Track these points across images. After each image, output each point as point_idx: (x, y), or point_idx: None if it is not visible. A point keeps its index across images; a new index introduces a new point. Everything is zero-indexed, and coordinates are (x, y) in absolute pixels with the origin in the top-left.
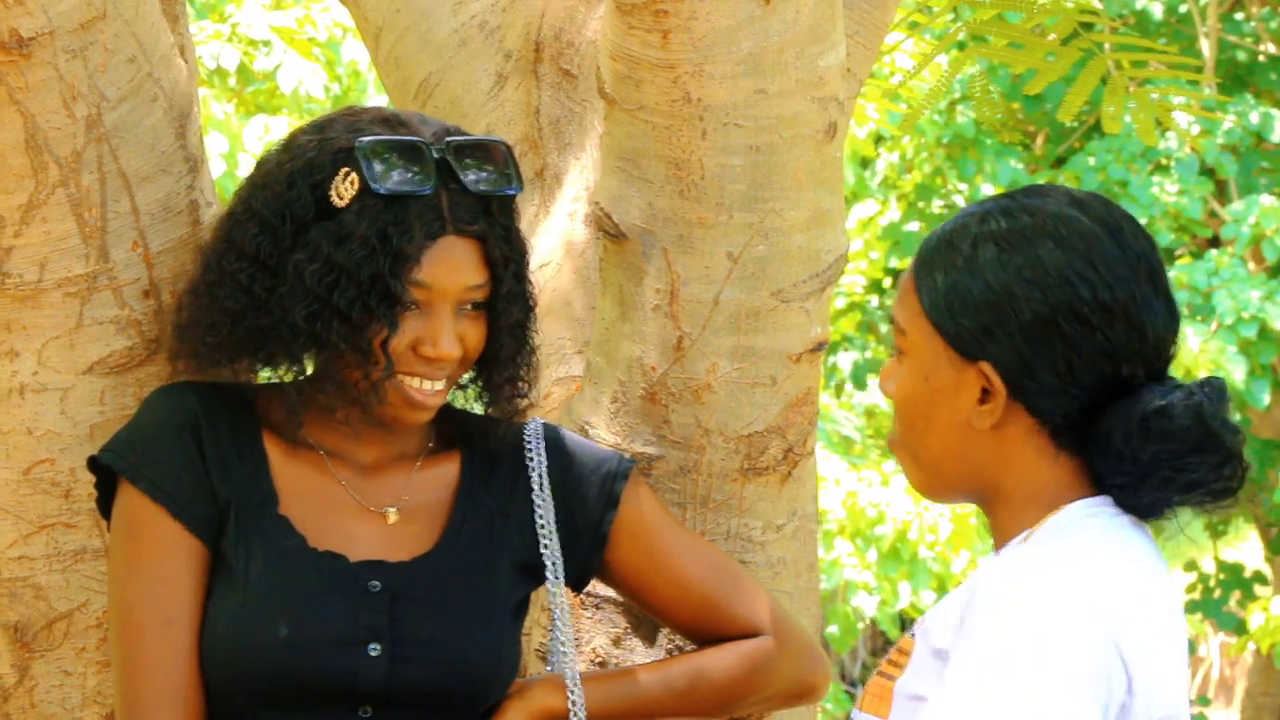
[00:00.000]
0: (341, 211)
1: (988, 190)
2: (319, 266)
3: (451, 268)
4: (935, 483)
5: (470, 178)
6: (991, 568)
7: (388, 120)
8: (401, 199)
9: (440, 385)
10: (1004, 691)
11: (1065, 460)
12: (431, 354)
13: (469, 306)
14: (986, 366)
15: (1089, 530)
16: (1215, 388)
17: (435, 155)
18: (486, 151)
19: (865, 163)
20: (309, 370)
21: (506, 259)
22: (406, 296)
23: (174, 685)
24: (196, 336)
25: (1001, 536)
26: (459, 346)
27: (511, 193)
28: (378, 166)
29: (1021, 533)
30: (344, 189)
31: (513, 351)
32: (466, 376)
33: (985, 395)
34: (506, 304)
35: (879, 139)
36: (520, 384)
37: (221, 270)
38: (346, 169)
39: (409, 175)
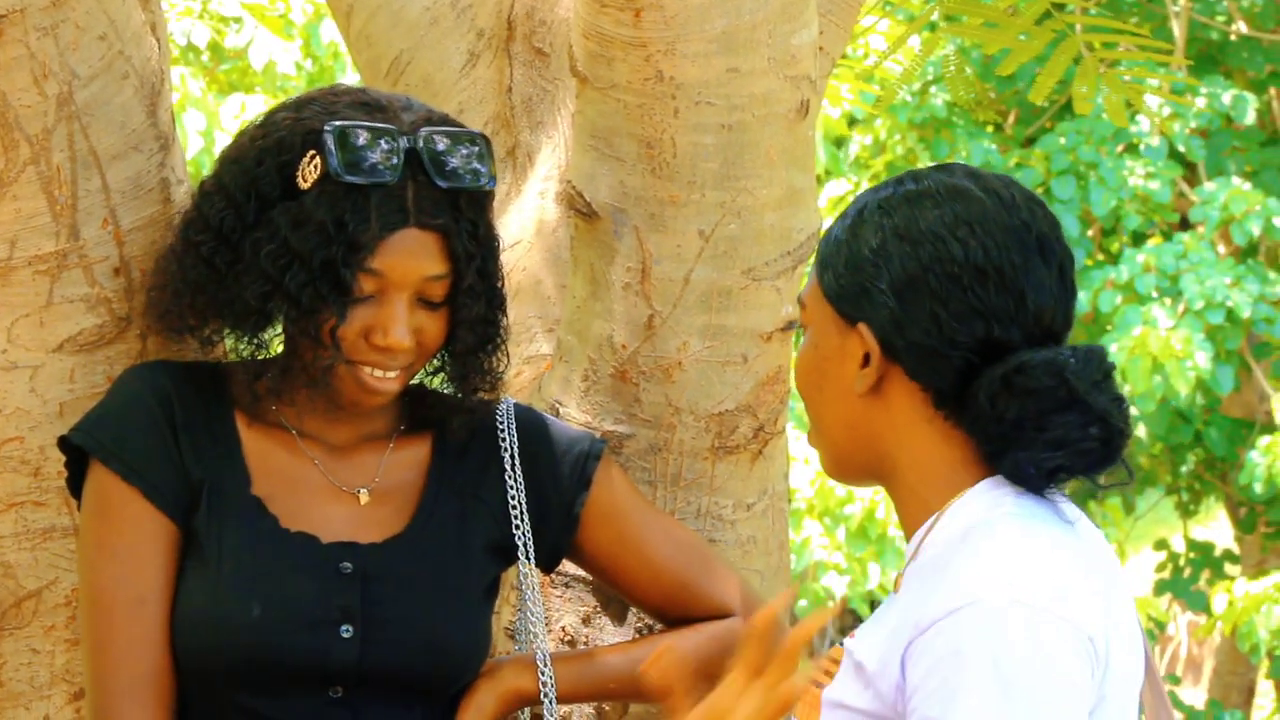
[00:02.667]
0: (304, 194)
1: None
2: (275, 248)
3: (407, 258)
4: (837, 459)
5: (440, 171)
6: (935, 596)
7: (366, 104)
8: (363, 187)
9: (394, 374)
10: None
11: (955, 435)
12: (382, 343)
13: (429, 299)
14: (863, 327)
15: (1011, 531)
16: (1088, 352)
17: (405, 145)
18: (461, 144)
19: (839, 143)
20: (273, 348)
21: (470, 254)
22: (357, 287)
23: (145, 665)
24: (162, 301)
25: (907, 519)
26: (410, 337)
27: (483, 188)
28: (342, 153)
29: (926, 516)
30: (308, 172)
31: (474, 345)
32: (433, 364)
33: (866, 360)
34: (467, 299)
35: (852, 121)
36: (485, 376)
37: (188, 240)
38: (313, 151)
39: (373, 164)
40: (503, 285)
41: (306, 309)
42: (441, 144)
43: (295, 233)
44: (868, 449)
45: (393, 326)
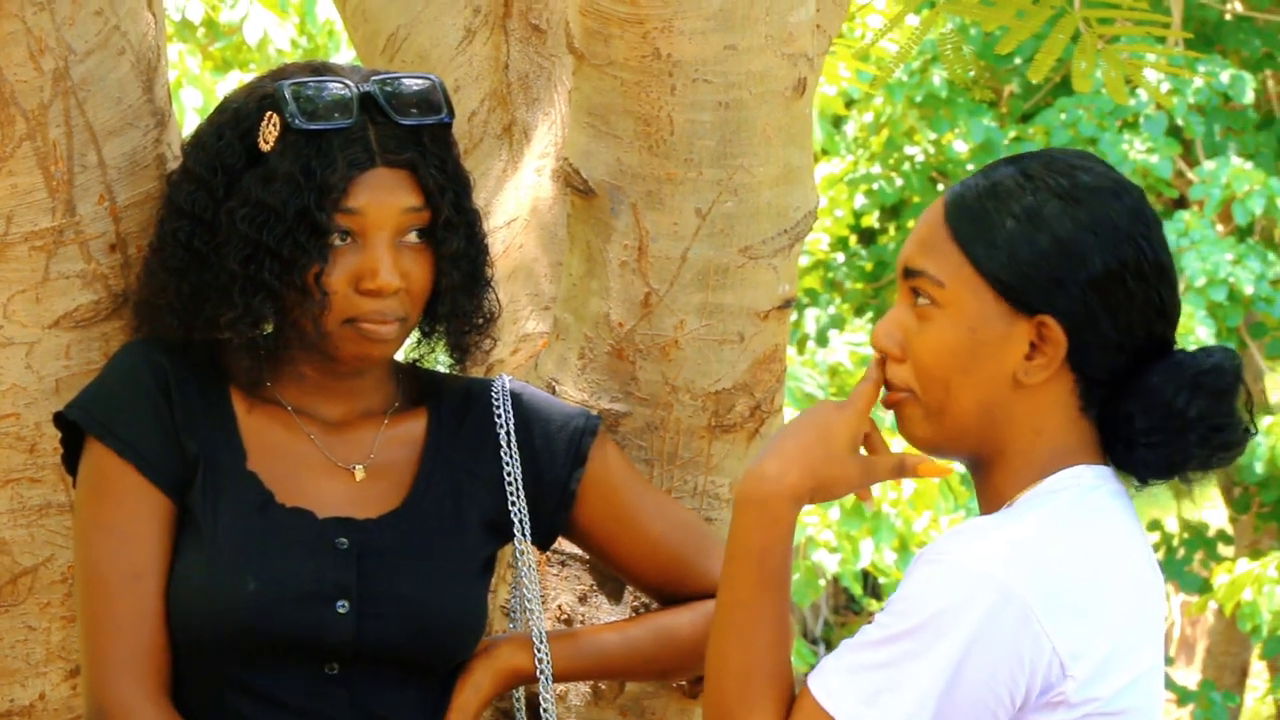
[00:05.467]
0: (268, 155)
1: (960, 147)
2: (249, 210)
3: (382, 194)
4: (947, 437)
5: (397, 109)
6: (947, 536)
7: (314, 67)
8: (325, 135)
9: (390, 324)
10: (887, 649)
11: (1081, 423)
12: (372, 285)
13: (409, 238)
14: (1049, 319)
15: (1056, 504)
16: (1234, 354)
17: (359, 90)
18: (414, 82)
19: (837, 121)
20: (266, 328)
21: (442, 187)
22: (334, 226)
23: (141, 640)
24: (150, 304)
25: (993, 497)
26: (398, 277)
27: (441, 120)
28: (298, 103)
29: (1015, 495)
30: (269, 133)
31: (460, 282)
32: (424, 326)
33: (1032, 350)
34: (446, 232)
35: (850, 101)
36: (475, 319)
37: (163, 233)
38: (270, 112)
39: (329, 107)
40: (480, 223)
41: (289, 260)
42: (393, 85)
43: (265, 190)
44: (991, 429)
45: (379, 267)
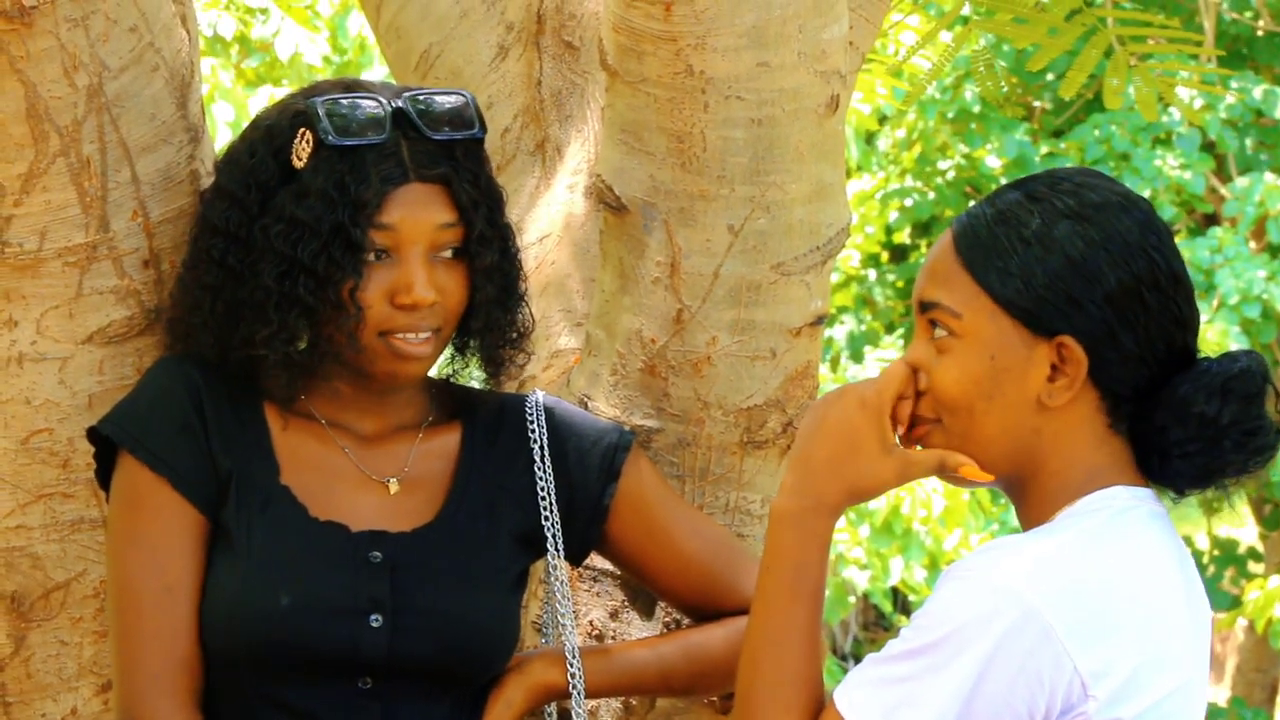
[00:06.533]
0: (301, 172)
1: (993, 162)
2: (283, 227)
3: (416, 209)
4: (988, 464)
5: (429, 124)
6: (978, 552)
7: (346, 84)
8: (359, 151)
9: (426, 335)
10: (909, 664)
11: (1112, 440)
12: (407, 300)
13: (444, 254)
14: (1068, 339)
15: (1087, 524)
16: (1260, 357)
17: (391, 106)
18: (446, 98)
19: (870, 138)
20: (301, 344)
21: (475, 202)
22: (369, 243)
23: (172, 654)
24: (184, 321)
25: (1031, 521)
26: (433, 291)
27: (474, 136)
28: (331, 120)
29: (1053, 515)
30: (302, 149)
31: (495, 296)
32: (458, 340)
33: (1054, 371)
34: (480, 247)
35: (883, 118)
36: (509, 333)
37: (197, 250)
38: (303, 129)
39: (362, 124)
40: (514, 238)
41: (324, 277)
42: (426, 101)
43: (299, 206)
44: (1023, 453)
45: (414, 282)
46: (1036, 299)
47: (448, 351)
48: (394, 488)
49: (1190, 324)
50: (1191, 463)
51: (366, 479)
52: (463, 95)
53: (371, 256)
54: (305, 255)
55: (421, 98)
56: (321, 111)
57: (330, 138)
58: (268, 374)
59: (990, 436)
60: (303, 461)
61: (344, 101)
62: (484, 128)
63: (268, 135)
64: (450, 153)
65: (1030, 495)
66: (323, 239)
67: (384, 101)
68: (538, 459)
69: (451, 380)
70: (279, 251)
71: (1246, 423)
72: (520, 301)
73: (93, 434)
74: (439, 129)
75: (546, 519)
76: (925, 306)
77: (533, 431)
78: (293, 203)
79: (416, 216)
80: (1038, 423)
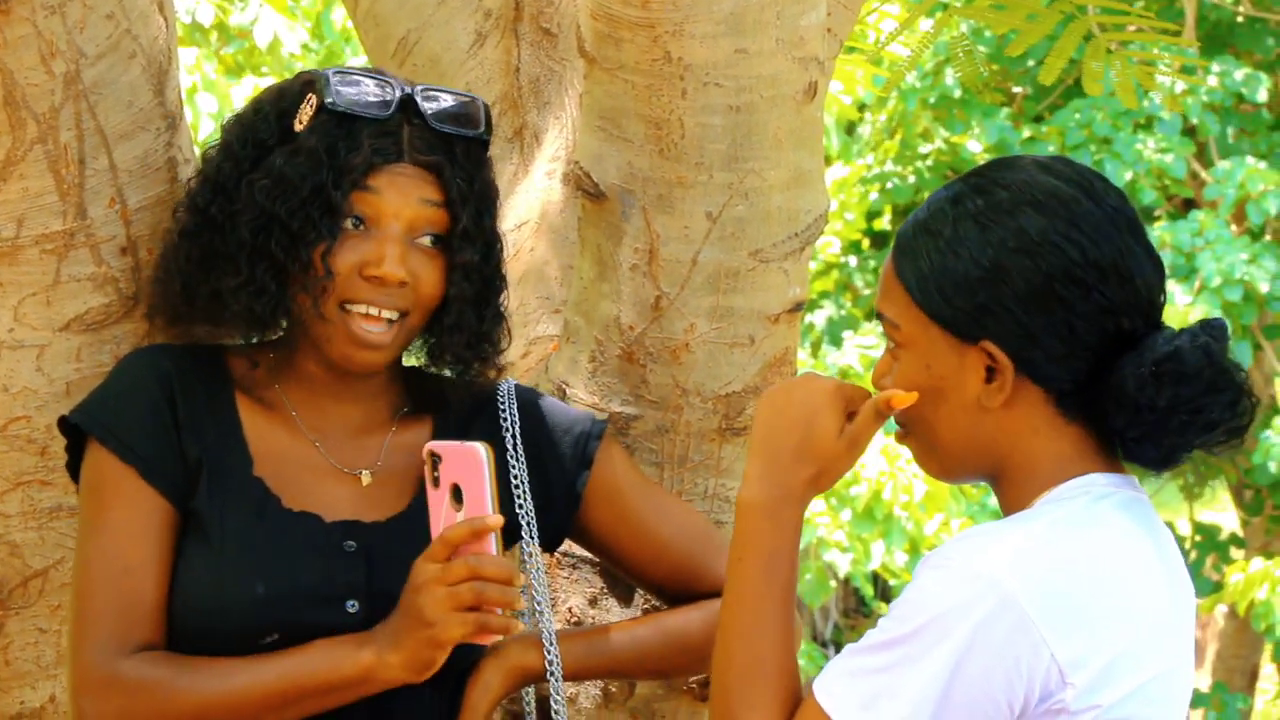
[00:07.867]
0: (299, 134)
1: (974, 147)
2: (268, 182)
3: (402, 181)
4: (951, 467)
5: (435, 116)
6: (954, 540)
7: (369, 69)
8: (357, 122)
9: (391, 317)
10: (886, 653)
11: (1071, 430)
12: (375, 272)
13: (423, 239)
14: (989, 344)
15: (1061, 511)
16: (1217, 327)
17: (401, 92)
18: (457, 96)
19: (850, 127)
20: (278, 328)
21: (465, 197)
22: (347, 207)
23: (125, 628)
24: (162, 276)
25: (1011, 506)
26: (404, 270)
27: (477, 135)
28: (338, 88)
29: (1031, 502)
30: (305, 113)
31: (469, 295)
32: (427, 337)
33: (990, 374)
34: (463, 242)
35: (863, 106)
36: (479, 341)
37: (186, 197)
38: (310, 94)
39: (367, 98)
40: (501, 247)
41: (297, 235)
42: (436, 95)
43: (289, 164)
44: (982, 453)
45: (385, 256)
46: (952, 307)
47: (422, 345)
48: (366, 479)
49: (1123, 308)
50: (1144, 447)
51: (338, 471)
52: (475, 99)
53: (349, 224)
54: (283, 211)
55: (434, 92)
56: (332, 80)
57: (334, 102)
58: (243, 364)
59: (949, 440)
60: (275, 452)
61: (356, 74)
62: (489, 130)
63: (277, 96)
64: (449, 146)
65: (1006, 487)
66: (302, 197)
67: (395, 85)
68: (510, 448)
69: (424, 370)
70: (259, 205)
71: (1188, 403)
72: (499, 317)
73: (63, 423)
74: (443, 121)
75: (520, 507)
76: (879, 317)
77: (505, 420)
78: (283, 161)
79: (401, 188)
80: (989, 424)
